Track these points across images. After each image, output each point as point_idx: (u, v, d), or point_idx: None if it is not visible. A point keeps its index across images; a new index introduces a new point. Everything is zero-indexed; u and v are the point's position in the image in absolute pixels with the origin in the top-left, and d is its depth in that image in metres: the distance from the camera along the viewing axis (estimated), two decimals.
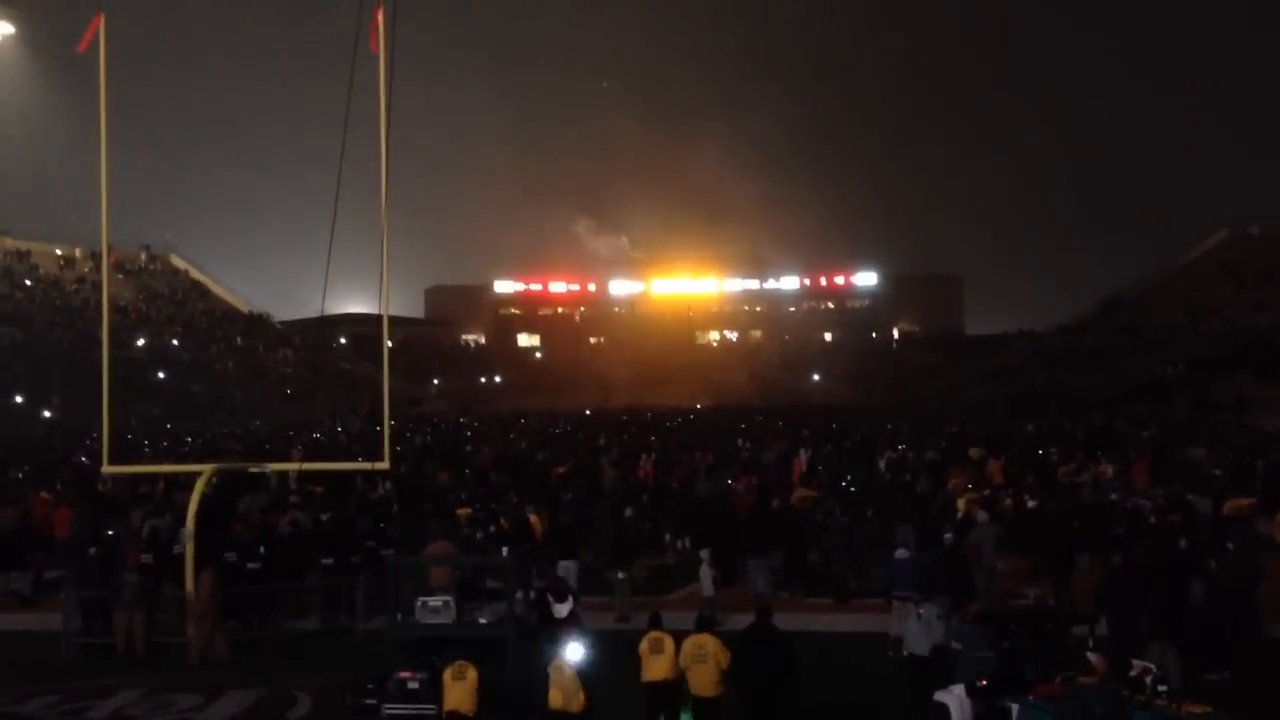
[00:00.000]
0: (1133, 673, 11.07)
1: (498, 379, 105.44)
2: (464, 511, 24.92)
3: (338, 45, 18.33)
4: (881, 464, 33.40)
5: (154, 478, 28.40)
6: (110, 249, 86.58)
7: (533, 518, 22.04)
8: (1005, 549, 20.59)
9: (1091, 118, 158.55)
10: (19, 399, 61.82)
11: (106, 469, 21.26)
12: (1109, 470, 28.93)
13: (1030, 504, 23.50)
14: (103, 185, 19.13)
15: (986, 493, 24.83)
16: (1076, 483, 27.74)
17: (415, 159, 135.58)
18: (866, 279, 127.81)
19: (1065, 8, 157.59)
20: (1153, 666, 11.19)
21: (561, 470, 32.20)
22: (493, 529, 20.93)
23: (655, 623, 12.89)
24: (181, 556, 18.15)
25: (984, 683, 11.73)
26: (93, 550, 19.21)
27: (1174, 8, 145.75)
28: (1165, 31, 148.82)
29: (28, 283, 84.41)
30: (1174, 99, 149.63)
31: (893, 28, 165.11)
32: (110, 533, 21.30)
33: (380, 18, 18.27)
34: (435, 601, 13.75)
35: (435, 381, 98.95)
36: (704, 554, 18.80)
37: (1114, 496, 26.35)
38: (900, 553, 17.36)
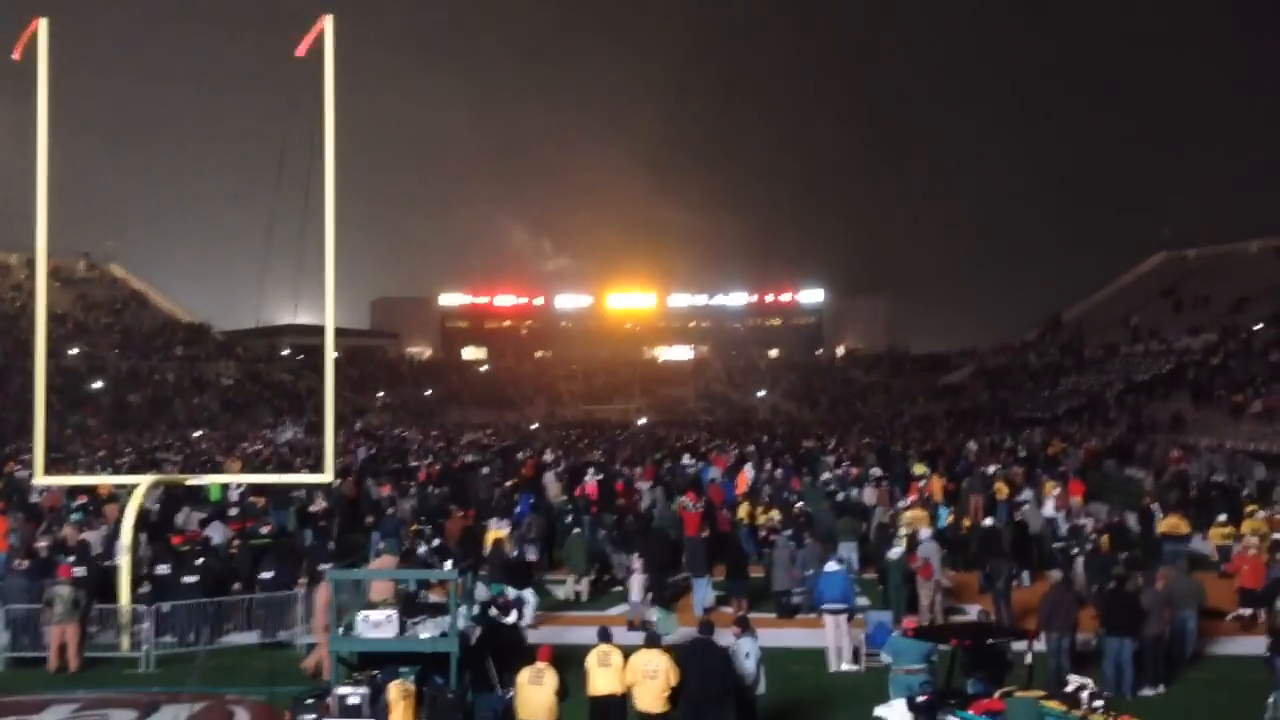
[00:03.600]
0: (1069, 688, 11.23)
1: (444, 392, 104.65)
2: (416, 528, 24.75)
3: (285, 53, 18.18)
4: (824, 478, 33.62)
5: (90, 489, 27.89)
6: (48, 256, 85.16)
7: (495, 535, 21.89)
8: (948, 564, 20.85)
9: (1034, 138, 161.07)
10: None
11: (39, 480, 20.81)
12: (1054, 488, 29.31)
13: (970, 521, 23.83)
14: (41, 190, 18.81)
15: (923, 511, 25.11)
16: (1016, 501, 28.10)
17: (362, 170, 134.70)
18: (812, 296, 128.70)
19: (1008, 30, 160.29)
20: (1089, 681, 11.35)
21: (510, 484, 32.14)
22: (436, 543, 20.77)
23: (604, 637, 12.91)
24: (115, 569, 17.83)
25: (925, 697, 11.83)
26: (24, 563, 18.81)
27: (1115, 32, 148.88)
28: (1107, 53, 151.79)
29: None
30: (1115, 121, 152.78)
31: (837, 47, 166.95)
32: (42, 544, 20.88)
33: (327, 25, 18.20)
34: (377, 615, 13.59)
35: (380, 394, 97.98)
36: (635, 561, 18.88)
37: (1053, 514, 26.78)
38: (830, 566, 17.59)
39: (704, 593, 20.14)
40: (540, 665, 12.32)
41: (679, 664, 12.34)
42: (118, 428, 64.43)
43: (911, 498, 27.17)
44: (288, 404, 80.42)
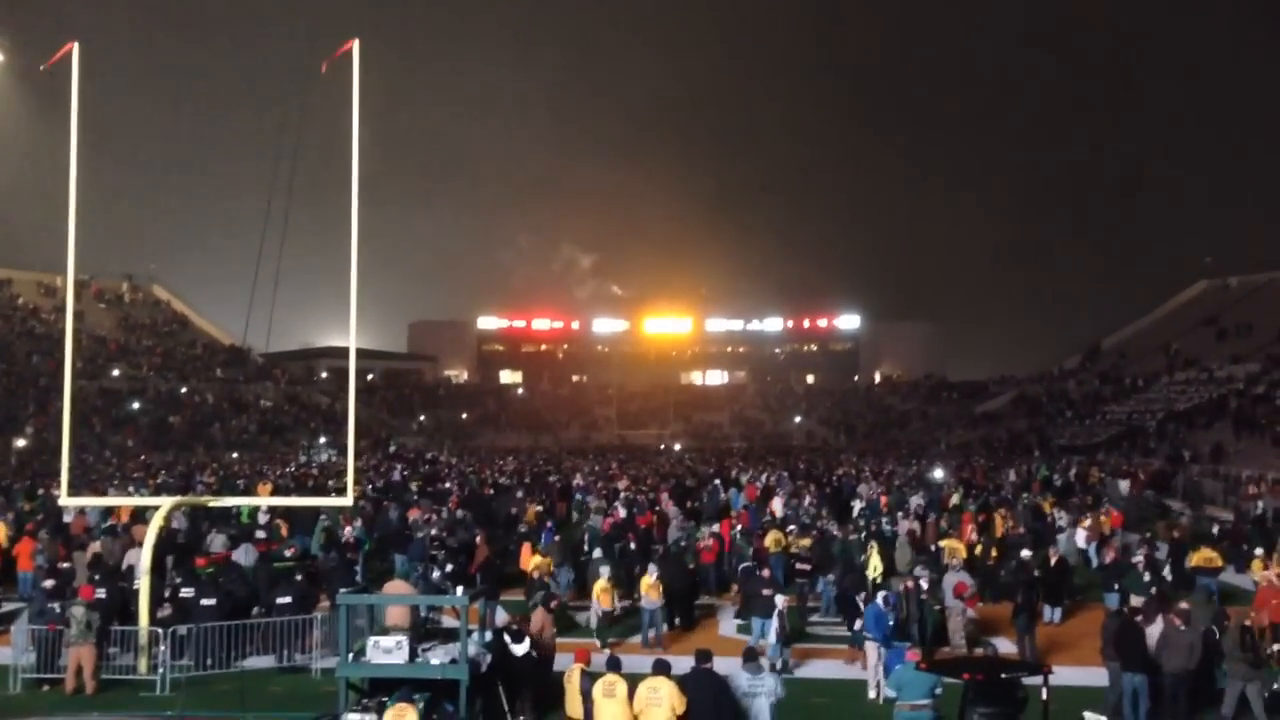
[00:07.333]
0: None
1: (480, 415, 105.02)
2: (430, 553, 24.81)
3: (318, 73, 18.39)
4: (857, 508, 33.33)
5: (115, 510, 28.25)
6: (91, 278, 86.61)
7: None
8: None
9: (1075, 165, 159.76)
10: None
11: (64, 500, 21.01)
12: (1086, 519, 28.89)
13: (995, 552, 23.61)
14: (70, 210, 18.94)
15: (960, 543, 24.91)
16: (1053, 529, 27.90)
17: (400, 193, 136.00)
18: (849, 322, 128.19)
19: (1047, 55, 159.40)
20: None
21: (537, 509, 32.24)
22: (450, 568, 20.75)
23: (613, 666, 12.78)
24: (137, 591, 17.93)
25: None
26: (49, 583, 18.99)
27: (1155, 56, 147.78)
28: (1148, 80, 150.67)
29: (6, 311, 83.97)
30: (1157, 148, 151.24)
31: (875, 74, 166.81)
32: (66, 565, 21.05)
33: (354, 48, 18.37)
34: (387, 641, 13.59)
35: (421, 418, 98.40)
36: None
37: (1084, 545, 26.46)
38: (879, 597, 17.36)
39: (768, 630, 18.27)
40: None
41: (685, 693, 12.20)
42: (157, 449, 65.18)
43: (968, 528, 27.03)
44: (324, 426, 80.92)
